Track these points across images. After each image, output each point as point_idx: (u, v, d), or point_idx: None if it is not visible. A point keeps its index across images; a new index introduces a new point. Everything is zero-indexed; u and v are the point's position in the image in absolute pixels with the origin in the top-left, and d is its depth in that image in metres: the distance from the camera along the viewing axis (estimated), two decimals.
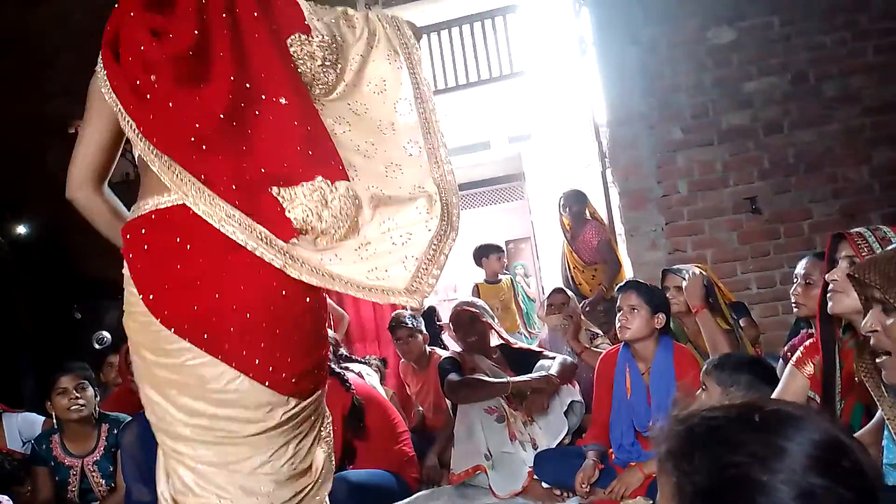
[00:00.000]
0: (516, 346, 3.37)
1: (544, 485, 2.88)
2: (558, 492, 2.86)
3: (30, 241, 4.87)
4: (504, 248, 5.54)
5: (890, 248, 1.66)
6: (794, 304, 2.39)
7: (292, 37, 1.54)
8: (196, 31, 1.46)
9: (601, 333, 3.71)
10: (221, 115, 1.46)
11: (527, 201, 9.37)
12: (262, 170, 1.48)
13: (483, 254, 5.55)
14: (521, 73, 6.09)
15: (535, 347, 3.52)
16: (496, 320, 3.44)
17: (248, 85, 1.49)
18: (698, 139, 4.44)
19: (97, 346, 4.77)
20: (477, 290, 5.45)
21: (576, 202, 4.87)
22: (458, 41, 5.26)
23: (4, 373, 4.49)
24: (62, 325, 4.71)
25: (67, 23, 5.27)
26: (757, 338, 3.35)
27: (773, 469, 0.70)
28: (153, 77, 1.46)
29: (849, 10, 4.31)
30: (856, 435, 1.68)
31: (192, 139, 1.47)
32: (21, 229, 4.86)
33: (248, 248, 1.45)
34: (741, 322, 3.27)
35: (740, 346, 2.86)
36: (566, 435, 3.08)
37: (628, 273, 4.70)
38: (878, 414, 1.62)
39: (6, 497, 2.68)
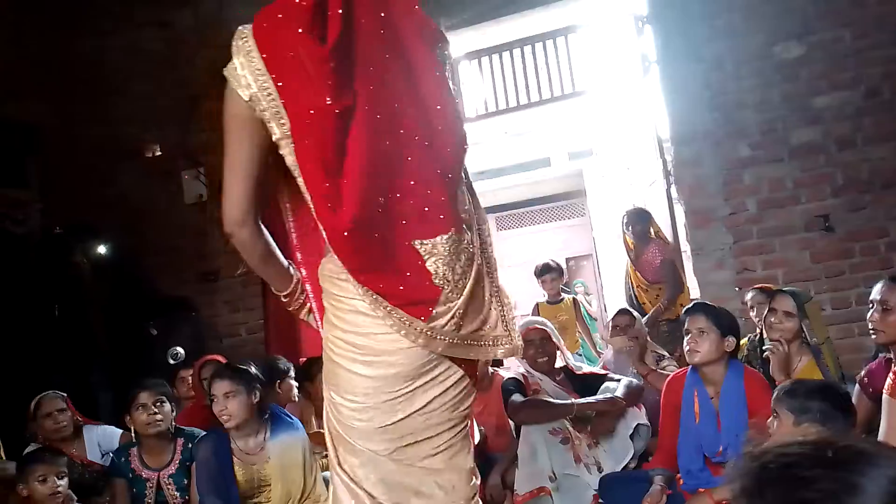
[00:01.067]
0: (579, 371, 3.34)
1: None
2: None
3: (106, 262, 5.08)
4: (560, 269, 5.47)
5: None
6: (871, 331, 2.31)
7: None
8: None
9: (667, 355, 3.65)
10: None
11: (588, 218, 9.31)
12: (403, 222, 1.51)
13: (538, 274, 5.52)
14: (583, 92, 6.07)
15: (598, 370, 3.48)
16: (562, 342, 3.43)
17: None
18: (767, 156, 4.34)
19: (171, 362, 4.93)
20: (537, 309, 5.42)
21: (639, 221, 4.82)
22: (519, 62, 5.30)
23: (82, 387, 4.69)
24: (137, 341, 4.90)
25: (138, 52, 5.54)
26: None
27: None
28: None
29: None
30: None
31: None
32: (100, 250, 5.08)
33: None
34: None
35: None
36: (632, 458, 3.04)
37: (694, 293, 4.62)
38: None
39: None
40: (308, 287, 1.74)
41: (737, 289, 4.32)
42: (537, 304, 5.53)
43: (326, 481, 3.03)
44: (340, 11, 1.43)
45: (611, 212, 7.43)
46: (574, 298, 5.74)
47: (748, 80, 4.36)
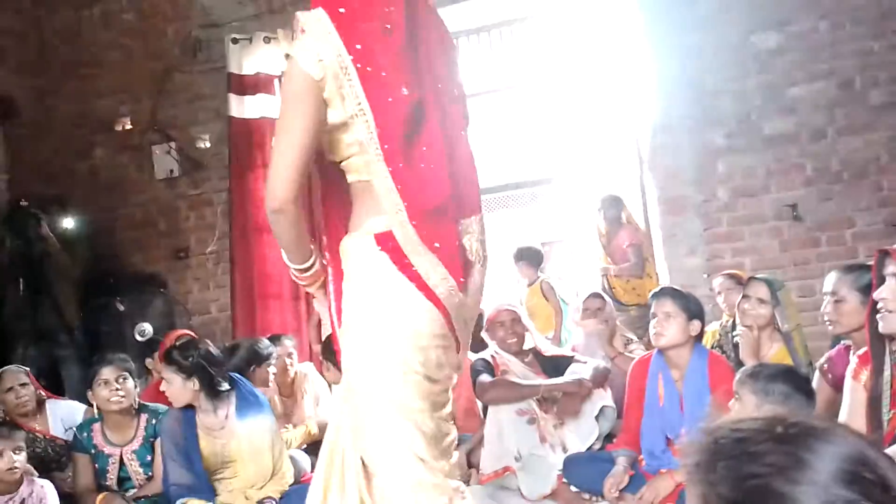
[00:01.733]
0: (548, 353, 3.36)
1: (573, 488, 2.87)
2: (587, 496, 2.84)
3: (75, 235, 5.00)
4: (533, 253, 5.48)
5: None
6: (827, 322, 2.34)
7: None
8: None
9: (636, 339, 3.69)
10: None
11: (561, 204, 9.32)
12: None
13: (514, 258, 5.52)
14: (565, 76, 6.07)
15: (567, 352, 3.51)
16: (531, 324, 3.44)
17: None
18: (741, 145, 4.38)
19: (139, 338, 4.89)
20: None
21: (611, 207, 4.85)
22: (497, 44, 5.28)
23: (49, 362, 4.63)
24: (105, 317, 4.84)
25: (113, 24, 5.43)
26: None
27: (795, 480, 0.70)
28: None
29: None
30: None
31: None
32: (68, 223, 4.99)
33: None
34: None
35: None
36: (597, 439, 3.07)
37: (664, 279, 4.66)
38: None
39: (47, 481, 2.77)
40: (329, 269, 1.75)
41: (705, 275, 4.36)
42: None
43: (291, 458, 3.04)
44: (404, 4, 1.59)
45: (585, 198, 7.45)
46: (542, 282, 5.72)
47: (725, 69, 4.38)
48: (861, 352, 2.00)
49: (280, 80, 4.99)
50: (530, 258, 5.43)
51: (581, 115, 7.18)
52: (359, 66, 1.52)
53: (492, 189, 9.65)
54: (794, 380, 2.07)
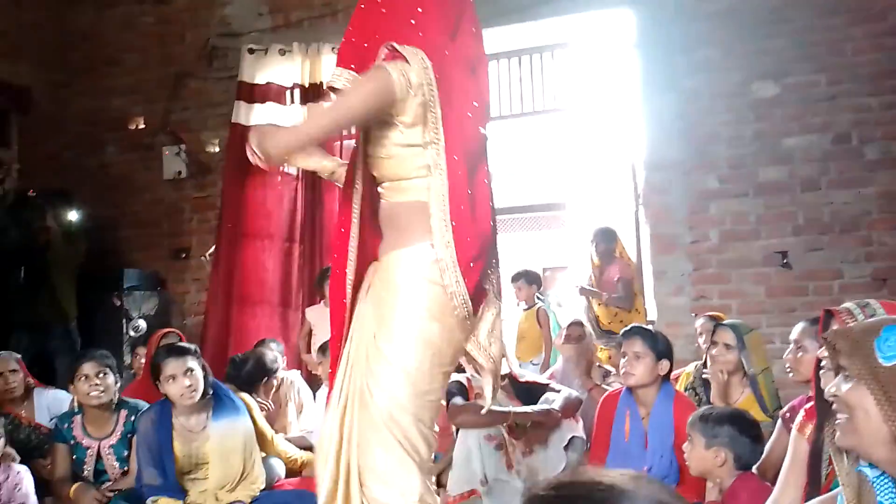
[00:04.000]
0: (523, 379, 3.43)
1: None
2: None
3: (78, 229, 5.11)
4: (531, 276, 5.55)
5: (870, 319, 1.69)
6: (787, 368, 2.41)
7: None
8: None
9: (613, 371, 3.74)
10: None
11: (566, 231, 9.40)
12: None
13: (511, 280, 5.59)
14: (567, 108, 6.18)
15: (542, 380, 3.56)
16: (506, 349, 3.50)
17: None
18: (733, 190, 4.46)
19: (133, 334, 4.99)
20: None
21: (604, 240, 4.91)
22: (514, 72, 5.40)
23: (42, 352, 4.72)
24: (102, 311, 4.94)
25: (133, 27, 5.58)
26: None
27: None
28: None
29: None
30: (821, 498, 1.72)
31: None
32: (73, 216, 5.11)
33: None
34: None
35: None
36: (564, 469, 3.11)
37: (651, 315, 4.72)
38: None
39: (24, 467, 2.85)
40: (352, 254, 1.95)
41: (692, 315, 4.42)
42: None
43: (266, 464, 3.11)
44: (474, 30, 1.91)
45: (587, 228, 7.52)
46: (539, 309, 5.79)
47: (722, 114, 4.47)
48: (809, 405, 2.06)
49: (291, 92, 5.12)
50: (529, 280, 5.49)
51: (587, 146, 7.28)
52: (442, 100, 1.77)
53: (503, 210, 9.81)
54: (741, 424, 2.14)
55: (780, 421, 2.69)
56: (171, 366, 2.87)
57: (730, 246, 4.46)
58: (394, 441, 1.77)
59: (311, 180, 5.03)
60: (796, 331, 2.37)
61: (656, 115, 4.57)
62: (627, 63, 4.80)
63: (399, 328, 1.81)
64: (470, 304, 1.82)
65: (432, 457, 1.88)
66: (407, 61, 1.74)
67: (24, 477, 2.79)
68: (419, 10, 1.81)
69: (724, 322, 3.05)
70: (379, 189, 1.93)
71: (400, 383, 1.79)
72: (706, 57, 4.45)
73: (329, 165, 2.15)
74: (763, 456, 2.36)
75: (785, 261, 4.38)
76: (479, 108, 1.89)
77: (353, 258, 1.92)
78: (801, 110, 4.36)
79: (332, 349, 1.98)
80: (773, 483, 2.22)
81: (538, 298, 5.68)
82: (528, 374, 3.58)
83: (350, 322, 1.94)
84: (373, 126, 1.86)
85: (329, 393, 1.97)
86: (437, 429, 1.90)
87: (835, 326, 1.80)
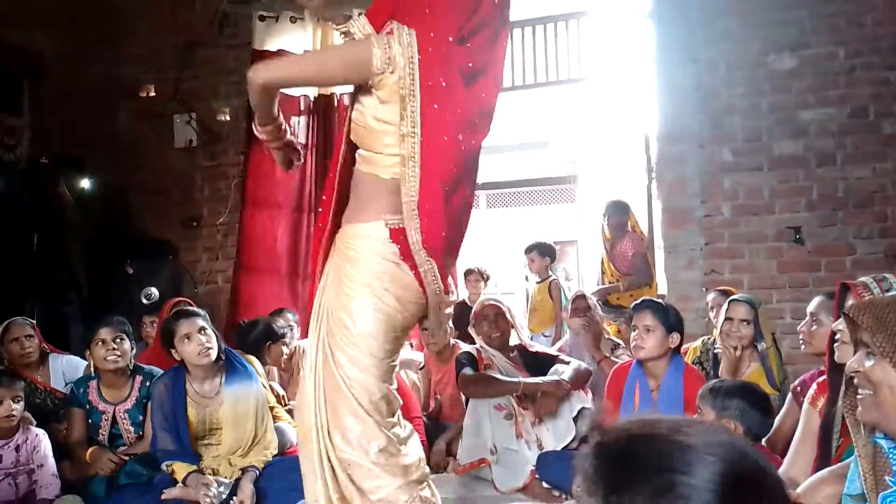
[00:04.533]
0: (532, 349, 3.44)
1: (545, 484, 2.96)
2: (557, 493, 2.93)
3: (90, 196, 5.14)
4: (545, 249, 5.54)
5: (890, 293, 1.69)
6: (801, 341, 2.41)
7: None
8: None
9: (622, 344, 3.75)
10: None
11: (577, 205, 9.37)
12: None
13: (525, 251, 5.60)
14: (584, 78, 6.11)
15: (552, 351, 3.58)
16: (515, 319, 3.52)
17: None
18: (748, 163, 4.42)
19: (145, 301, 5.02)
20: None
21: (616, 213, 4.89)
22: (529, 41, 5.34)
23: (56, 317, 4.77)
24: (114, 278, 4.97)
25: None
26: None
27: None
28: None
29: None
30: (832, 468, 1.73)
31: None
32: (85, 184, 5.13)
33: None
34: None
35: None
36: (573, 440, 3.14)
37: (662, 289, 4.71)
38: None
39: (42, 431, 2.90)
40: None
41: (703, 289, 4.41)
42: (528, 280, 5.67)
43: (278, 430, 3.15)
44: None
45: (598, 201, 7.49)
46: (552, 281, 5.80)
47: (739, 86, 4.41)
48: (821, 379, 2.07)
49: None
50: (542, 252, 5.49)
51: (600, 117, 7.23)
52: (423, 99, 1.81)
53: (508, 183, 9.77)
54: (751, 396, 2.15)
55: (790, 394, 2.70)
56: (185, 325, 2.91)
57: (743, 220, 4.44)
58: (356, 403, 1.91)
59: (323, 149, 5.02)
60: (813, 304, 2.37)
61: (672, 86, 4.51)
62: (643, 33, 4.74)
63: (354, 297, 1.94)
64: (440, 281, 1.96)
65: (393, 415, 2.01)
66: (392, 37, 1.80)
67: (42, 440, 2.84)
68: (428, 8, 1.85)
69: (738, 297, 3.04)
70: (355, 155, 2.03)
71: (358, 348, 1.93)
72: (724, 27, 4.39)
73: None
74: (773, 429, 2.37)
75: (798, 236, 4.36)
76: (468, 118, 1.90)
77: (330, 225, 2.05)
78: (818, 83, 4.31)
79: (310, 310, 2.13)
80: (783, 456, 2.23)
81: (550, 271, 5.69)
82: (538, 346, 3.60)
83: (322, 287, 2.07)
84: (358, 93, 1.95)
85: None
86: (395, 386, 2.05)
87: (851, 300, 1.80)
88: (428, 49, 1.80)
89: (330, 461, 1.95)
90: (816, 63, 4.30)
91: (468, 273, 5.49)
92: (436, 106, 1.82)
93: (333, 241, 2.05)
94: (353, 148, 2.03)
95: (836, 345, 1.84)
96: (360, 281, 1.94)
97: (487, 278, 5.56)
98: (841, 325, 1.79)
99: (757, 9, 4.35)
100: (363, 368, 1.93)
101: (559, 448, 3.10)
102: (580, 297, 3.88)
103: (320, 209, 2.12)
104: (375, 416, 1.92)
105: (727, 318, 2.96)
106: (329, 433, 1.94)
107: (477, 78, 1.90)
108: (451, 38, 1.83)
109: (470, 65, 1.88)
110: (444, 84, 1.82)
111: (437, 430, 3.57)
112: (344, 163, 2.04)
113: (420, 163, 1.83)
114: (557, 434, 3.12)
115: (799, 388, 2.64)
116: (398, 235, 1.93)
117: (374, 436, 1.91)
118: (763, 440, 2.30)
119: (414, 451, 2.02)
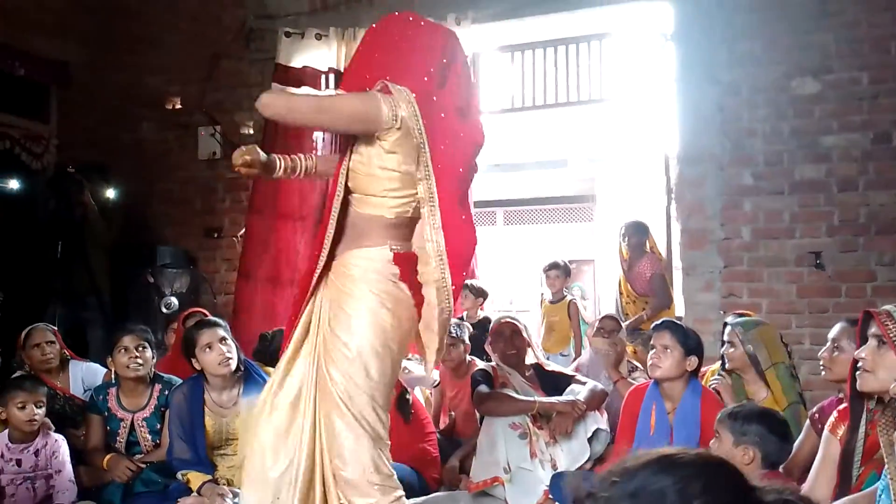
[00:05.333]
0: (549, 368, 3.44)
1: None
2: None
3: (114, 205, 5.20)
4: (566, 268, 5.52)
5: None
6: (821, 367, 2.40)
7: None
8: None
9: (640, 367, 3.74)
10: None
11: (595, 224, 9.36)
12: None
13: (544, 269, 5.58)
14: (604, 99, 6.13)
15: (568, 371, 3.57)
16: (532, 338, 3.52)
17: None
18: (768, 187, 4.40)
19: (164, 311, 5.06)
20: (541, 304, 5.55)
21: (636, 233, 4.89)
22: (551, 61, 5.36)
23: (76, 324, 4.82)
24: (135, 286, 5.02)
25: (173, 5, 5.63)
26: None
27: None
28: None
29: None
30: (853, 496, 1.71)
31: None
32: (109, 192, 5.19)
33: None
34: None
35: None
36: (588, 461, 3.13)
37: (680, 311, 4.69)
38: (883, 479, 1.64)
39: (61, 436, 2.93)
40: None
41: (721, 312, 4.38)
42: (542, 300, 5.63)
43: None
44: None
45: (615, 220, 7.48)
46: (571, 301, 5.77)
47: (761, 109, 4.40)
48: (842, 407, 2.05)
49: (327, 76, 5.14)
50: (565, 272, 5.48)
51: (619, 138, 7.23)
52: (431, 145, 2.07)
53: (526, 201, 9.78)
54: (770, 422, 2.14)
55: (807, 421, 2.68)
56: (206, 335, 2.94)
57: (762, 244, 4.41)
58: (353, 420, 1.99)
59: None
60: (834, 330, 2.36)
61: (693, 107, 4.51)
62: (664, 55, 4.75)
63: (354, 315, 2.07)
64: (452, 300, 2.15)
65: (386, 433, 2.12)
66: (394, 97, 2.03)
67: (61, 445, 2.87)
68: (406, 61, 2.09)
69: (727, 321, 3.05)
70: (350, 198, 2.20)
71: (355, 366, 2.03)
72: (748, 50, 4.38)
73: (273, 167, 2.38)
74: (790, 455, 2.35)
75: (818, 261, 4.31)
76: (470, 147, 2.18)
77: (324, 255, 2.17)
78: (841, 108, 4.28)
79: (287, 333, 2.26)
80: (800, 483, 2.21)
81: (566, 290, 5.68)
82: (554, 365, 3.59)
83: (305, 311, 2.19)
84: (358, 144, 2.11)
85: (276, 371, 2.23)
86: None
87: (874, 328, 1.79)
88: (421, 97, 2.05)
89: (323, 476, 2.04)
90: (840, 88, 4.28)
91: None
92: (440, 144, 2.07)
93: (328, 268, 2.19)
94: (347, 191, 2.19)
95: (858, 372, 1.83)
96: (360, 299, 2.07)
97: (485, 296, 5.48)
98: (863, 352, 1.78)
99: (781, 32, 4.35)
100: (359, 385, 2.02)
101: (573, 468, 3.09)
102: (609, 318, 3.88)
103: (315, 252, 2.24)
104: (371, 433, 2.02)
105: (722, 342, 2.98)
106: (324, 453, 2.03)
107: (467, 113, 2.16)
108: (433, 84, 2.08)
109: (457, 101, 2.14)
110: (444, 123, 2.09)
111: (451, 446, 3.56)
112: (340, 204, 2.19)
113: (437, 201, 2.09)
114: (572, 454, 3.11)
115: (817, 416, 2.62)
116: (401, 260, 2.12)
117: (369, 452, 2.00)
118: (780, 467, 2.29)
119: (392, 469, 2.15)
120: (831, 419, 2.11)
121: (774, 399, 2.84)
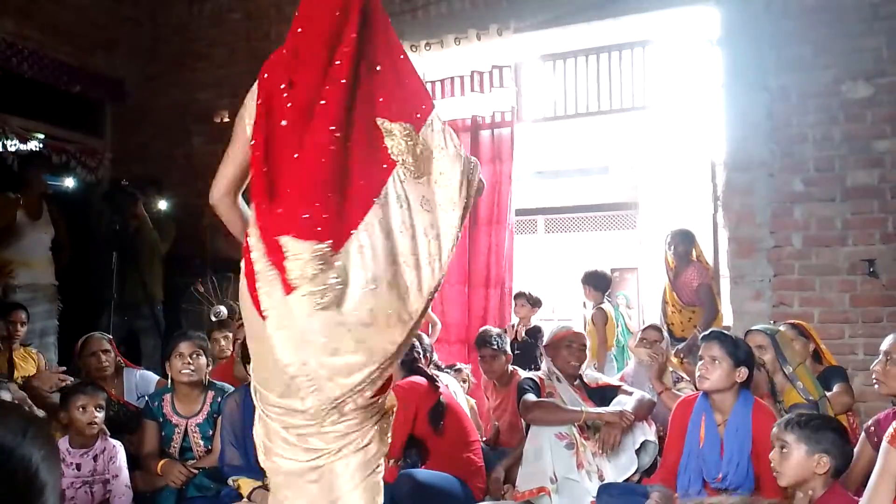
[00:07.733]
0: (595, 383, 3.41)
1: None
2: None
3: (168, 217, 5.35)
4: (603, 279, 5.48)
5: None
6: (874, 380, 2.34)
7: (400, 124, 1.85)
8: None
9: (686, 378, 3.69)
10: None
11: (638, 232, 9.27)
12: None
13: (582, 280, 5.53)
14: (648, 106, 6.09)
15: (614, 381, 3.55)
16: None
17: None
18: (820, 193, 4.31)
19: (214, 319, 5.17)
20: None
21: (682, 242, 4.82)
22: (593, 69, 5.34)
23: (129, 333, 4.96)
24: (186, 296, 5.15)
25: (222, 22, 5.77)
26: (849, 406, 3.24)
27: None
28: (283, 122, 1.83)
29: None
30: None
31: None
32: (162, 205, 5.34)
33: None
34: (835, 388, 3.20)
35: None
36: (635, 472, 3.10)
37: (727, 320, 4.61)
38: None
39: (118, 442, 3.01)
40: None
41: (771, 322, 4.30)
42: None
43: None
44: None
45: (659, 228, 7.40)
46: (598, 310, 5.64)
47: (811, 114, 4.32)
48: None
49: None
50: (596, 282, 5.44)
51: (664, 145, 7.15)
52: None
53: (568, 209, 9.72)
54: (839, 430, 2.12)
55: (863, 434, 2.62)
56: None
57: (813, 251, 4.32)
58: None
59: None
60: (887, 342, 2.31)
61: (741, 114, 4.45)
62: (710, 61, 4.69)
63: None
64: None
65: None
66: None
67: (118, 451, 2.96)
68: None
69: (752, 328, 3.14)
70: None
71: None
72: (797, 55, 4.31)
73: None
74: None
75: (872, 269, 4.21)
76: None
77: None
78: (894, 112, 4.18)
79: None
80: (858, 496, 2.16)
81: (608, 299, 5.61)
82: (601, 377, 3.56)
83: None
84: None
85: None
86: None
87: None
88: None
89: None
90: (893, 91, 4.17)
91: (517, 297, 5.30)
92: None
93: None
94: None
95: None
96: None
97: (540, 305, 5.44)
98: None
99: (831, 36, 4.27)
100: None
101: (620, 480, 3.06)
102: (652, 328, 3.85)
103: None
104: None
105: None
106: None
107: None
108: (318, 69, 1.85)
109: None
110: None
111: (496, 455, 3.57)
112: None
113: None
114: (619, 466, 3.09)
115: (873, 428, 2.57)
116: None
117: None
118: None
119: None
120: (890, 431, 2.06)
121: (797, 395, 2.84)
